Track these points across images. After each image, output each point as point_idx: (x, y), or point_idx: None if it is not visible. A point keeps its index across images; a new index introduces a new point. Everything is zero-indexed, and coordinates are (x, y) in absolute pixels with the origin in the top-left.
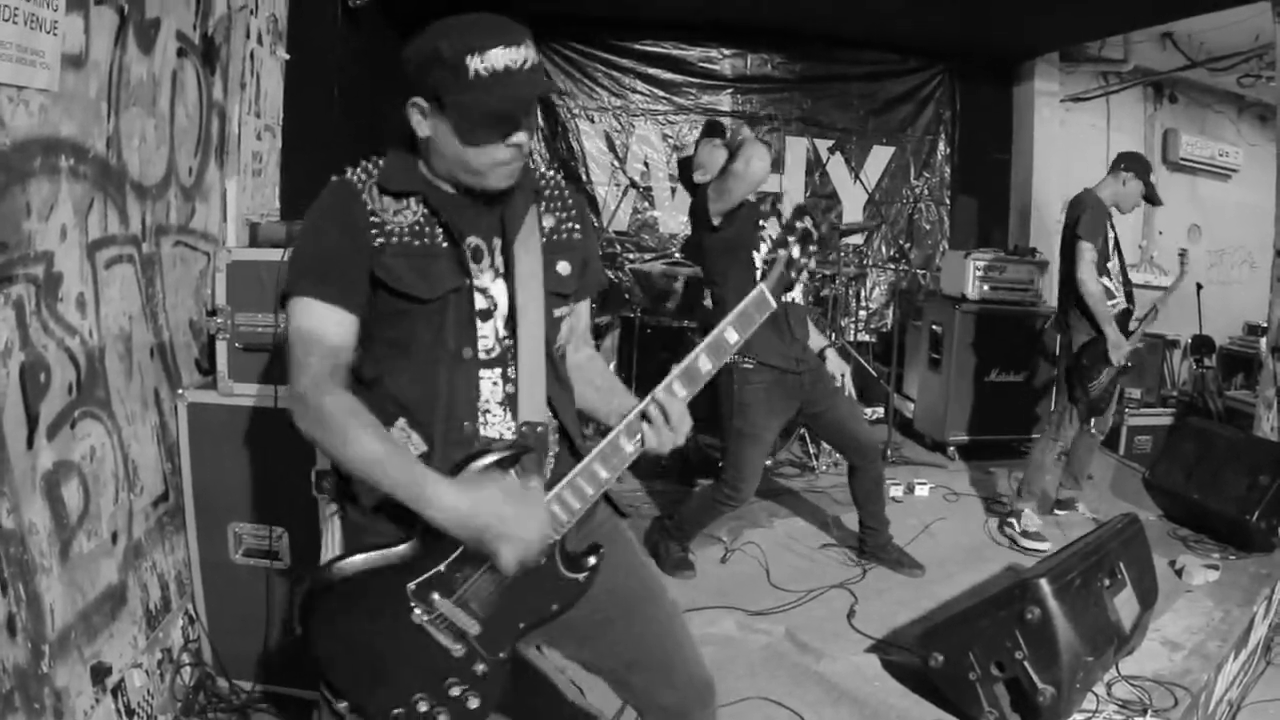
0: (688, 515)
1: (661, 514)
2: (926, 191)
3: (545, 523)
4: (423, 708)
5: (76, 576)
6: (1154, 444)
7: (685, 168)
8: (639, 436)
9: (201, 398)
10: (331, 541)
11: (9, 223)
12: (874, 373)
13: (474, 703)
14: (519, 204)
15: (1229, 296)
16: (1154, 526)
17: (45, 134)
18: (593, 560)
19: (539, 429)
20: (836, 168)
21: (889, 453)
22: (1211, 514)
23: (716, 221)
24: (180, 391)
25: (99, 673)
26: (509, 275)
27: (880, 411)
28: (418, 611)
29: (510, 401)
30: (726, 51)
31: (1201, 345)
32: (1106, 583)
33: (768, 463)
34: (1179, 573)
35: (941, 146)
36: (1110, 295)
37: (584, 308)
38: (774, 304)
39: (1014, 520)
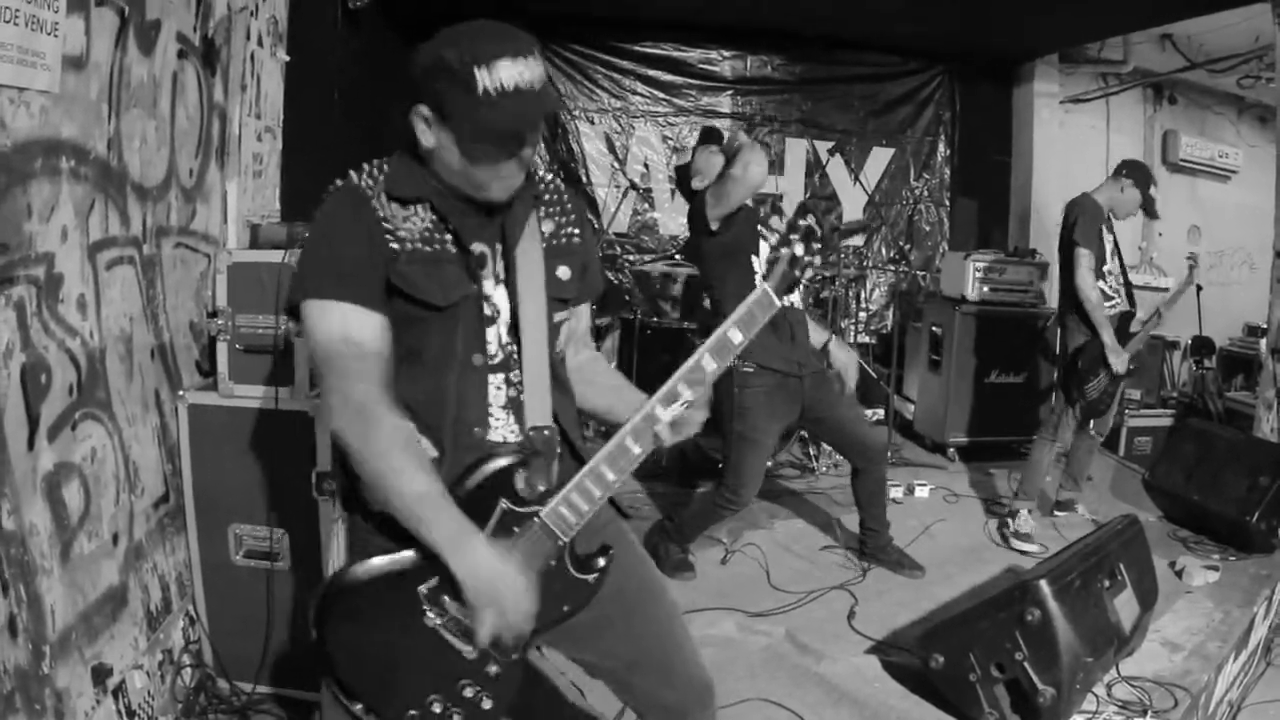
0: (688, 518)
1: (662, 516)
2: (926, 193)
3: (530, 609)
4: (437, 709)
5: (77, 578)
6: (1154, 445)
7: (683, 174)
8: (645, 439)
9: (202, 399)
10: (337, 546)
11: (10, 224)
12: (874, 374)
13: (487, 703)
14: (519, 210)
15: (1229, 298)
16: (1154, 528)
17: (46, 135)
18: (602, 562)
19: (546, 433)
20: (836, 169)
21: (889, 454)
22: (1211, 515)
23: (715, 226)
24: (181, 393)
25: (100, 674)
26: (510, 281)
27: (880, 413)
28: (430, 615)
29: (514, 405)
30: (726, 53)
31: (1201, 346)
32: (1106, 584)
33: (768, 464)
34: (1179, 574)
35: (941, 148)
36: (1108, 297)
37: (584, 310)
38: (777, 303)
39: (1009, 520)
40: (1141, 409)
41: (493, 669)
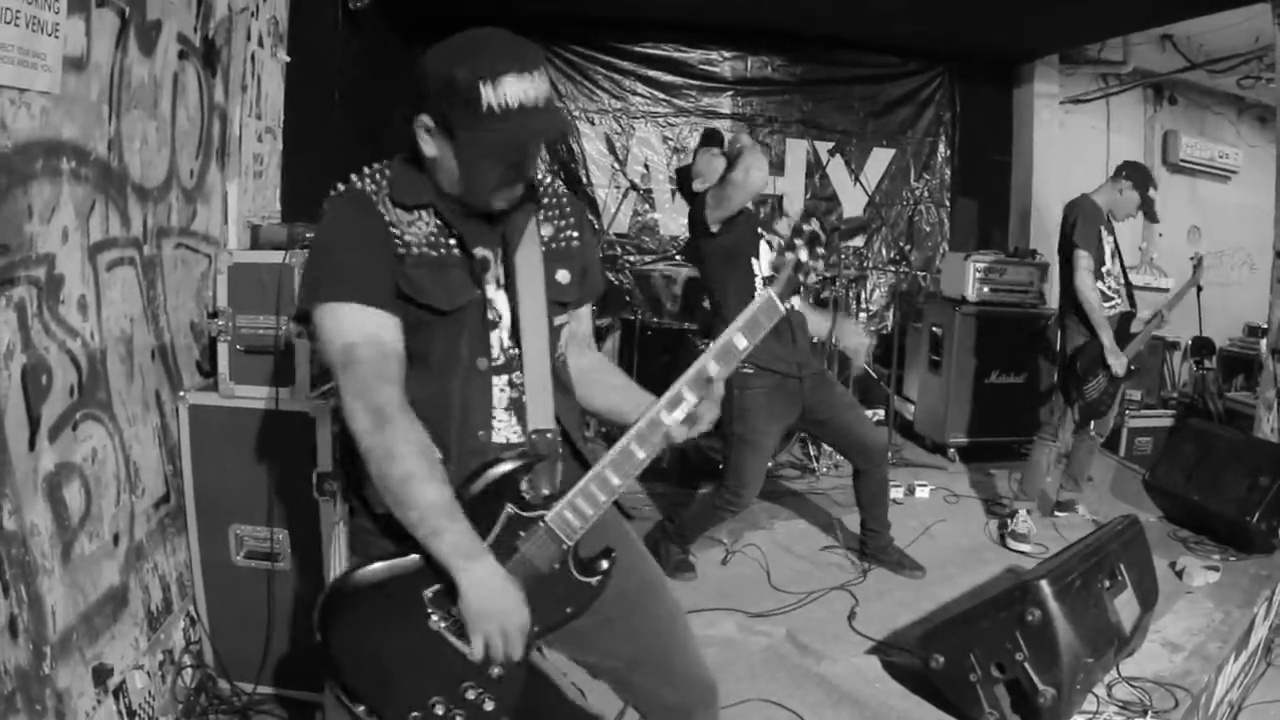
0: (688, 519)
1: (663, 516)
2: (926, 193)
3: (521, 639)
4: (439, 711)
5: (78, 578)
6: (1154, 446)
7: (684, 176)
8: (650, 444)
9: (203, 400)
10: (339, 547)
11: (11, 225)
12: (874, 375)
13: (489, 705)
14: (519, 215)
15: (1229, 298)
16: (1154, 528)
17: (47, 136)
18: (605, 565)
19: (549, 436)
20: (837, 170)
21: (889, 455)
22: (1212, 515)
23: (714, 229)
24: (181, 393)
25: (100, 674)
26: (510, 286)
27: (881, 413)
28: (434, 618)
29: (516, 406)
30: (727, 54)
31: (1201, 347)
32: (1107, 584)
33: (768, 464)
34: (1179, 574)
35: (941, 148)
36: (1107, 298)
37: (585, 312)
38: (782, 309)
39: (1008, 521)
40: (1142, 409)
41: (495, 671)
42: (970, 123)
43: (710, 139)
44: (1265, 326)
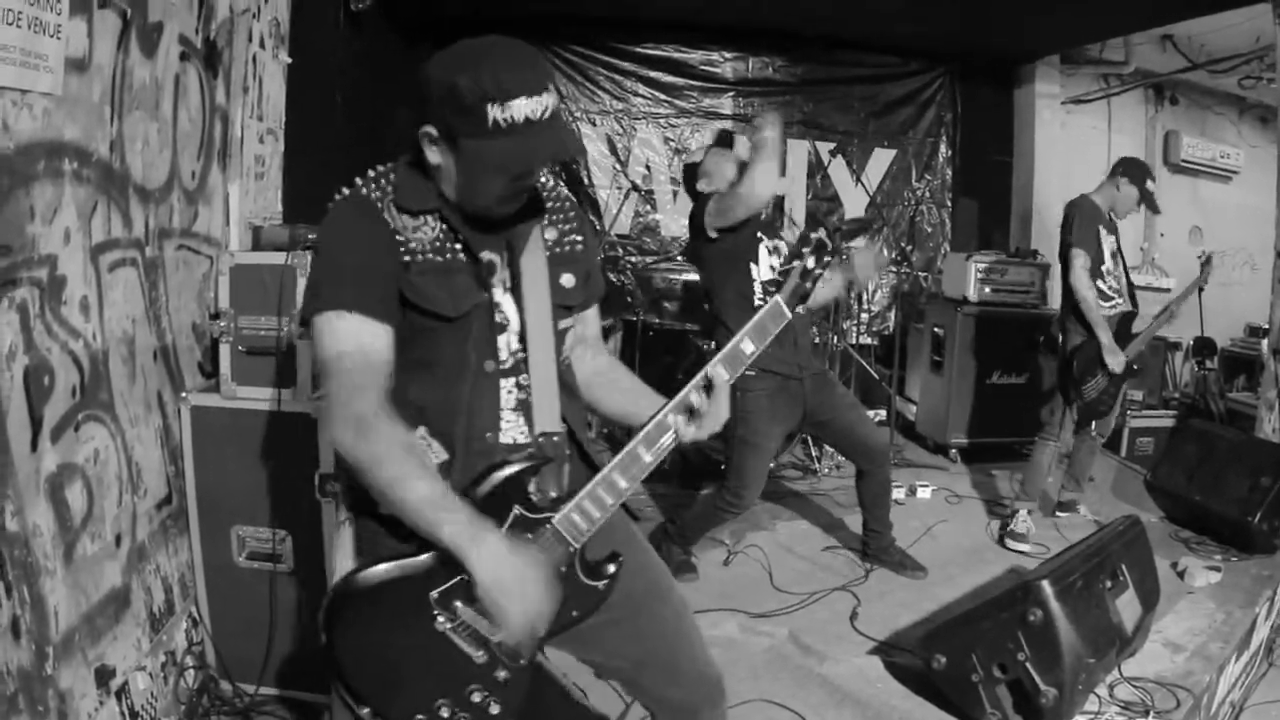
0: (690, 520)
1: (664, 518)
2: (928, 194)
3: (544, 613)
4: (445, 713)
5: (80, 579)
6: (1156, 446)
7: (690, 174)
8: (657, 447)
9: (204, 401)
10: (344, 548)
11: (13, 226)
12: (876, 375)
13: (495, 708)
14: (523, 220)
15: (1230, 298)
16: (1156, 528)
17: (49, 138)
18: (612, 568)
19: (555, 439)
20: (838, 170)
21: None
22: (1213, 516)
23: (713, 235)
24: (183, 394)
25: (103, 675)
26: (516, 289)
27: (882, 414)
28: (441, 619)
29: (523, 407)
30: (728, 54)
31: (1203, 347)
32: (1108, 584)
33: (770, 465)
34: (1181, 574)
35: (943, 149)
36: (1107, 298)
37: (593, 315)
38: (789, 315)
39: (1008, 520)
40: (1143, 410)
41: (501, 674)
42: (971, 123)
43: (722, 140)
44: (1266, 327)
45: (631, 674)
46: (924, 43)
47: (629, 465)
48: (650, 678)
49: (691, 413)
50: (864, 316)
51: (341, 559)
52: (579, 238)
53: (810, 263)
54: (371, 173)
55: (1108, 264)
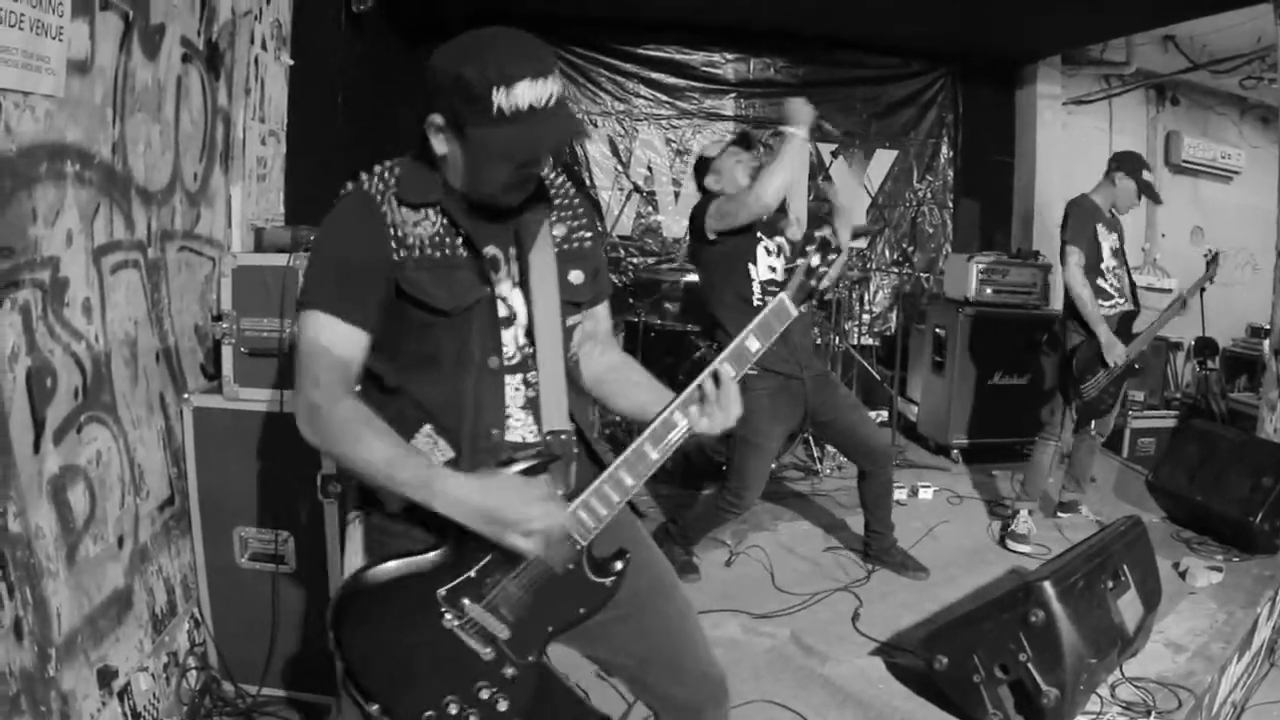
0: (692, 520)
1: (666, 518)
2: (929, 195)
3: (557, 508)
4: (453, 710)
5: (83, 580)
6: (1157, 446)
7: (703, 167)
8: (663, 445)
9: (207, 402)
10: (354, 546)
11: (15, 228)
12: (877, 376)
13: (503, 705)
14: (532, 215)
15: (1231, 298)
16: (1157, 529)
17: (51, 140)
18: (619, 565)
19: (563, 436)
20: (839, 171)
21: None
22: (1215, 516)
23: (711, 237)
24: (186, 396)
25: (105, 676)
26: (525, 285)
27: (884, 415)
28: (448, 617)
29: (532, 406)
30: (729, 55)
31: (1204, 347)
32: (1110, 585)
33: (772, 466)
34: (1182, 575)
35: (944, 150)
36: (1108, 296)
37: (603, 311)
38: (794, 312)
39: (1008, 521)
40: (1145, 410)
41: (509, 671)
42: (973, 124)
43: (744, 141)
44: (1268, 327)
45: (636, 671)
46: (925, 43)
47: (636, 463)
48: (655, 676)
49: (700, 409)
50: (865, 317)
51: (351, 557)
52: (588, 234)
53: (815, 260)
54: (378, 167)
55: (1107, 262)
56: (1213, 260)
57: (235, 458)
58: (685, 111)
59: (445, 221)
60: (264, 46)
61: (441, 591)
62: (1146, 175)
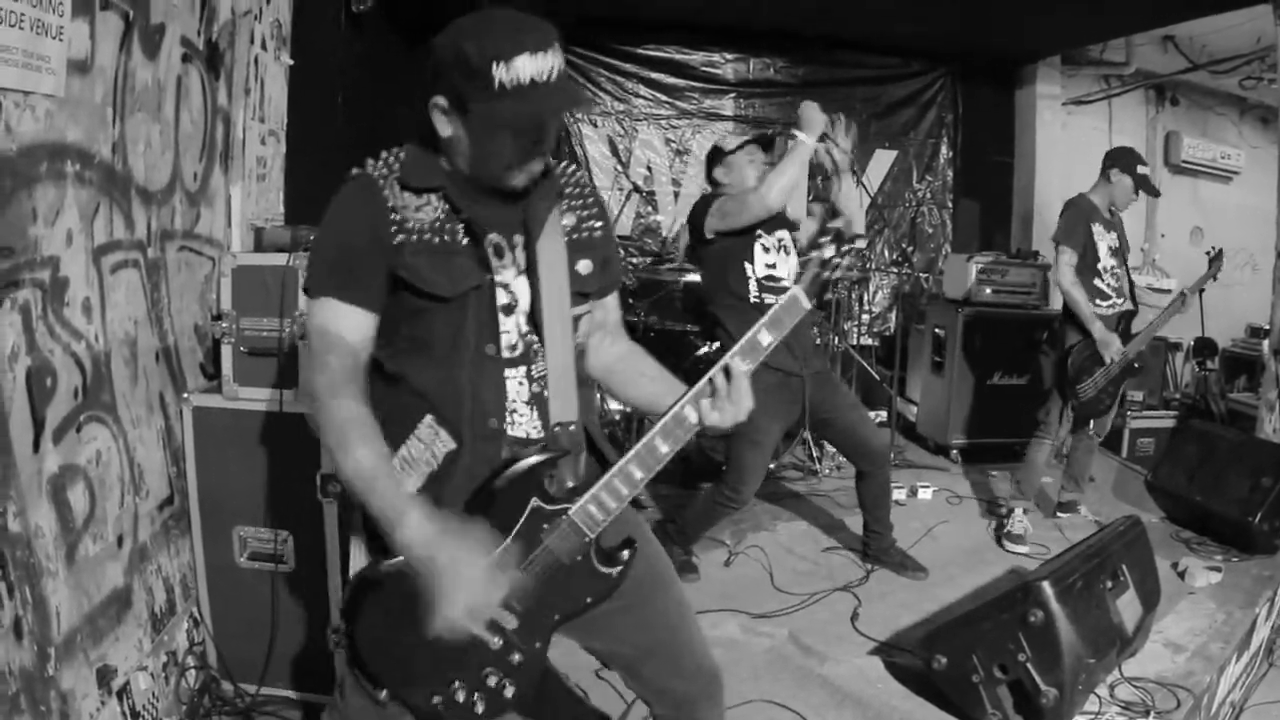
0: (690, 518)
1: (664, 518)
2: (929, 195)
3: (487, 591)
4: (460, 696)
5: (82, 580)
6: (1156, 446)
7: (715, 156)
8: (674, 439)
9: (207, 402)
10: (362, 539)
11: (15, 228)
12: (877, 376)
13: (510, 690)
14: (541, 203)
15: (1231, 299)
16: (1156, 529)
17: (51, 139)
18: (626, 554)
19: (572, 428)
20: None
21: (892, 456)
22: (1214, 516)
23: (709, 236)
24: (185, 395)
25: (104, 675)
26: (532, 274)
27: (883, 415)
28: None
29: (537, 401)
30: (729, 56)
31: (1204, 348)
32: (1109, 585)
33: (771, 466)
34: (1181, 575)
35: (944, 150)
36: (1106, 296)
37: (613, 301)
38: (807, 305)
39: (1004, 521)
40: (1144, 410)
41: (516, 657)
42: (972, 124)
43: (764, 143)
44: (1267, 327)
45: (634, 663)
46: (925, 43)
47: (646, 457)
48: (653, 668)
49: (711, 403)
50: (865, 317)
51: (360, 549)
52: (598, 224)
53: (829, 252)
54: (385, 152)
55: (1105, 262)
56: (1216, 257)
57: (235, 457)
58: (685, 111)
59: (447, 207)
60: (264, 46)
61: None
62: (1142, 169)
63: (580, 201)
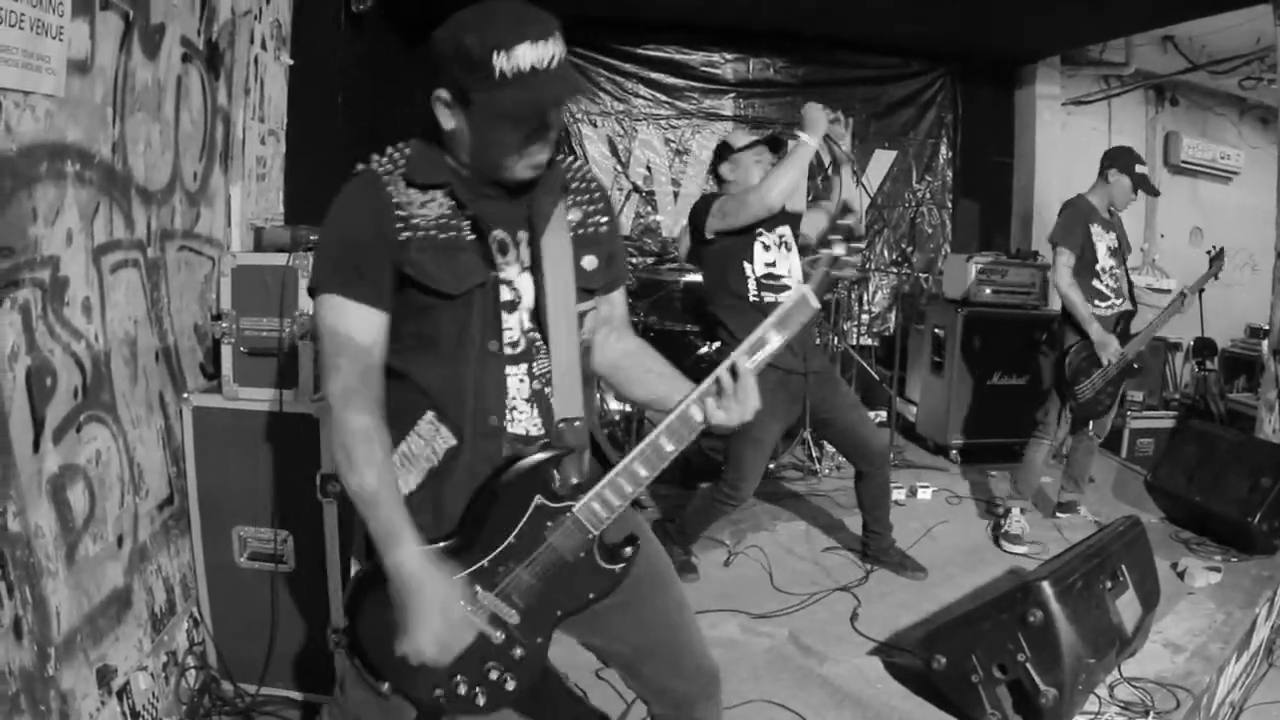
0: (689, 518)
1: (663, 517)
2: (928, 195)
3: (456, 637)
4: (462, 690)
5: (82, 579)
6: (1156, 447)
7: (724, 152)
8: (679, 437)
9: (206, 401)
10: (359, 542)
11: (15, 228)
12: (876, 376)
13: (511, 684)
14: (546, 198)
15: (1230, 299)
16: (1156, 529)
17: (51, 139)
18: (629, 551)
19: (577, 425)
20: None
21: (891, 456)
22: (1213, 516)
23: (709, 235)
24: (185, 395)
25: (104, 675)
26: (537, 270)
27: (883, 415)
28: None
29: (537, 398)
30: (729, 56)
31: (1203, 348)
32: (1109, 585)
33: (770, 466)
34: (1181, 575)
35: (943, 150)
36: (1104, 297)
37: (619, 296)
38: (816, 304)
39: (1001, 521)
40: (1144, 411)
41: (518, 652)
42: (972, 124)
43: (771, 142)
44: (1267, 328)
45: (634, 662)
46: (924, 43)
47: (651, 455)
48: (653, 668)
49: (717, 401)
50: (864, 318)
51: (363, 544)
52: (604, 219)
53: (840, 250)
54: (391, 148)
55: (1104, 262)
56: (1217, 257)
57: (235, 457)
58: (684, 111)
59: (452, 203)
60: (264, 46)
61: (454, 579)
62: (1140, 169)
63: (586, 196)
